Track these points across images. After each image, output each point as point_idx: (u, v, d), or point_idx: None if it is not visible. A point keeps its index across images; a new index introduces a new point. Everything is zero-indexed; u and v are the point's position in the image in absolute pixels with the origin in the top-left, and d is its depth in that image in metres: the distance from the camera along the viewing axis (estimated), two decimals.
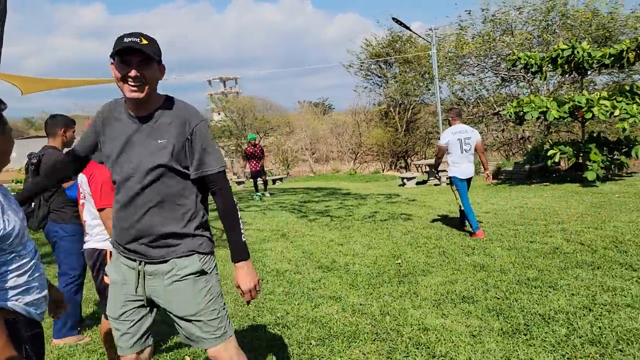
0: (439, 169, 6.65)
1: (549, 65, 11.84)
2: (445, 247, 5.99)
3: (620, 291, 3.93)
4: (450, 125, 6.74)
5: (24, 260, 1.71)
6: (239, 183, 23.64)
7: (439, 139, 6.84)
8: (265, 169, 14.16)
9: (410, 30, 19.75)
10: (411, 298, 4.25)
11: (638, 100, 10.61)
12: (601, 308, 3.62)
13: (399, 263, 5.43)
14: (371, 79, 29.41)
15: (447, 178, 6.41)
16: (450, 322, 3.64)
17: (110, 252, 2.92)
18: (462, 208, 6.59)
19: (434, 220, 7.83)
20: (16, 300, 1.68)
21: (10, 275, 1.66)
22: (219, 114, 40.34)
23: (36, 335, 1.78)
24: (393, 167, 27.35)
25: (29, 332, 1.73)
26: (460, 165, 6.54)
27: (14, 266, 1.66)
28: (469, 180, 6.63)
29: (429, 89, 25.76)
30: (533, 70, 12.10)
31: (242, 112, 34.83)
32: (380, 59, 27.25)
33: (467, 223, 6.71)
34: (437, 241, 6.34)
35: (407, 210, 9.14)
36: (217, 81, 78.86)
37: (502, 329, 3.42)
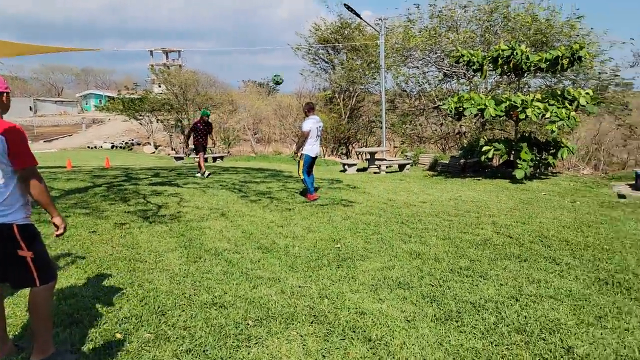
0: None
1: (490, 64, 12.29)
2: (383, 233, 6.12)
3: (544, 283, 4.17)
4: (306, 116, 8.67)
5: None
6: (177, 159, 23.01)
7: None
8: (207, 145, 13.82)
9: (360, 17, 19.81)
10: (349, 282, 4.31)
11: (567, 105, 11.25)
12: (527, 298, 3.83)
13: (338, 247, 5.50)
14: (318, 64, 29.33)
15: (300, 155, 8.73)
16: (387, 307, 3.73)
17: (18, 225, 2.74)
18: (302, 177, 8.68)
19: (372, 208, 7.97)
20: None
21: None
22: (160, 86, 38.95)
23: None
24: (335, 153, 27.55)
25: None
26: (312, 146, 8.60)
27: None
28: (315, 158, 8.73)
29: (375, 78, 26.03)
30: (475, 67, 12.51)
31: (184, 86, 33.81)
32: (329, 45, 27.22)
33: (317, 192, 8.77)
34: (375, 227, 6.47)
35: (347, 196, 9.24)
36: (160, 52, 76.08)
37: (435, 315, 3.54)
